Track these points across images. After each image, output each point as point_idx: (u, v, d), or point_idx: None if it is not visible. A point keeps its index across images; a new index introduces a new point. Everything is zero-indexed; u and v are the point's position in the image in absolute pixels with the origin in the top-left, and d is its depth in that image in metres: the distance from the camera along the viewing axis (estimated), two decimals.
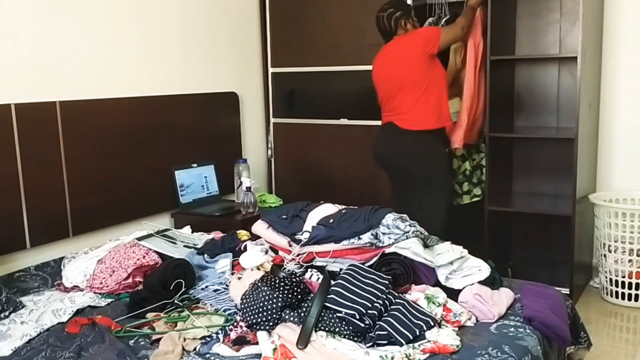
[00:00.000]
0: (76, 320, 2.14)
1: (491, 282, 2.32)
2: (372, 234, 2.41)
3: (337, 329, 1.95)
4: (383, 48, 3.38)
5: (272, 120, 4.25)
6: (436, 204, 3.28)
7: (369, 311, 1.99)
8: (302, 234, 2.52)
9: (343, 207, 2.65)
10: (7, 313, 2.24)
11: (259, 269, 2.41)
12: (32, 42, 2.81)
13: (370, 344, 1.93)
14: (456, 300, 2.19)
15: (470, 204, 3.77)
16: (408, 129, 3.25)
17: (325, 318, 1.98)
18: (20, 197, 2.72)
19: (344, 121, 3.97)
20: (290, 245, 2.50)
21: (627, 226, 3.37)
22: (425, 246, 2.40)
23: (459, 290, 2.23)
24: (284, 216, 2.64)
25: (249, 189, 3.48)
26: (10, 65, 2.73)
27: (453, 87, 3.59)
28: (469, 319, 2.12)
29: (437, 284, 2.29)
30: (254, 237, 2.81)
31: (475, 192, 3.78)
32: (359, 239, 2.40)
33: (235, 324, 2.07)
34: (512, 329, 2.06)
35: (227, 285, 2.40)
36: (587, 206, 3.57)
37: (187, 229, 3.17)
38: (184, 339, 2.00)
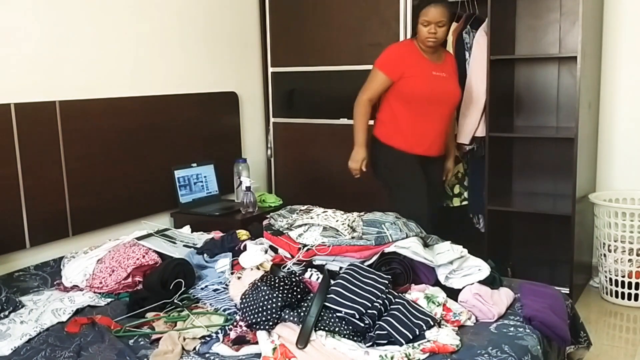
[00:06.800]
0: (76, 320, 2.14)
1: (491, 282, 2.32)
2: None
3: (336, 329, 1.95)
4: None
5: (272, 120, 4.25)
6: (408, 207, 3.06)
7: (369, 311, 1.99)
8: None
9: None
10: (6, 313, 2.24)
11: (258, 268, 2.41)
12: (32, 42, 2.81)
13: (370, 343, 1.93)
14: (456, 300, 2.19)
15: (460, 207, 3.78)
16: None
17: (325, 318, 1.98)
18: (20, 197, 2.72)
19: (344, 121, 3.96)
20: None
21: (627, 226, 3.37)
22: (425, 245, 2.40)
23: (459, 290, 2.24)
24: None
25: (248, 188, 3.48)
26: (10, 65, 2.73)
27: None
28: (469, 318, 2.12)
29: (436, 283, 2.29)
30: (254, 237, 2.81)
31: (465, 196, 3.78)
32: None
33: (235, 323, 2.07)
34: (512, 329, 2.06)
35: (226, 285, 2.40)
36: (587, 206, 3.57)
37: (186, 229, 3.17)
38: (184, 339, 2.00)
